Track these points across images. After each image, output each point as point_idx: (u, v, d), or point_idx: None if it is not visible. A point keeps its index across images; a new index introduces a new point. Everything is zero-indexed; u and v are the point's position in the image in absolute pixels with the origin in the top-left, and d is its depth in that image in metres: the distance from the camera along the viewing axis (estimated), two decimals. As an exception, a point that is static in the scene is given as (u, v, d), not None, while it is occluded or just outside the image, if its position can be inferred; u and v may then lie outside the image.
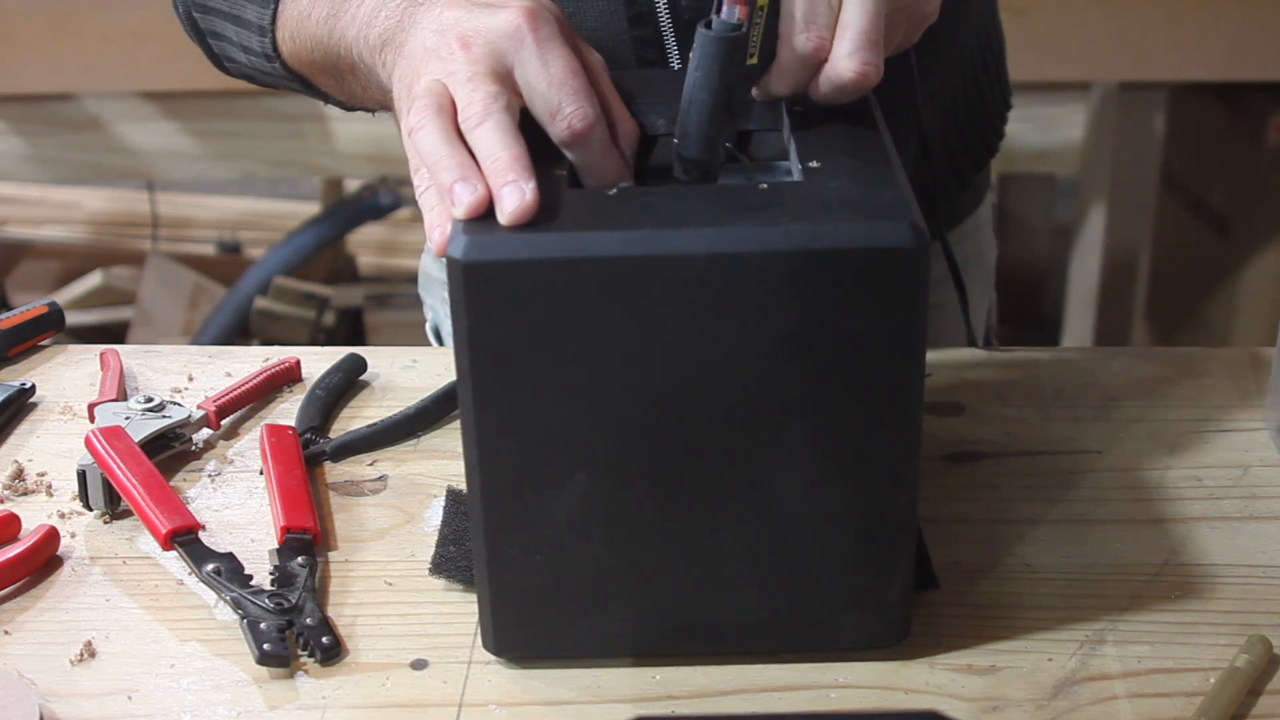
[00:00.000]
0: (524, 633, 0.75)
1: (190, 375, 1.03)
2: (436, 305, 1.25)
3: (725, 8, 0.73)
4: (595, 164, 0.76)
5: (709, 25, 0.74)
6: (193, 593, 0.82)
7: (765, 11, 0.73)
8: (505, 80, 0.74)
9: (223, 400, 0.97)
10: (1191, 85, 2.32)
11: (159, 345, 1.09)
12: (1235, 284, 2.49)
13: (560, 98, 0.74)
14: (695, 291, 0.67)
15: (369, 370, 1.03)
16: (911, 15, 0.79)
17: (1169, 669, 0.75)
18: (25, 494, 0.91)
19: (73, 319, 2.53)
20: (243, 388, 0.99)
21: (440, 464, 0.93)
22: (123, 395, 0.99)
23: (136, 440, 0.89)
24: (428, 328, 1.28)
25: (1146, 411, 0.97)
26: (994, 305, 1.27)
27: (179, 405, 0.95)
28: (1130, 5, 2.13)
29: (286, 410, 0.99)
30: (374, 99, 0.87)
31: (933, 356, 0.97)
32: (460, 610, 0.79)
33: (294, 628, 0.77)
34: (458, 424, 0.94)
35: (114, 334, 2.66)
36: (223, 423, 0.97)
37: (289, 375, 1.02)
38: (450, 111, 0.73)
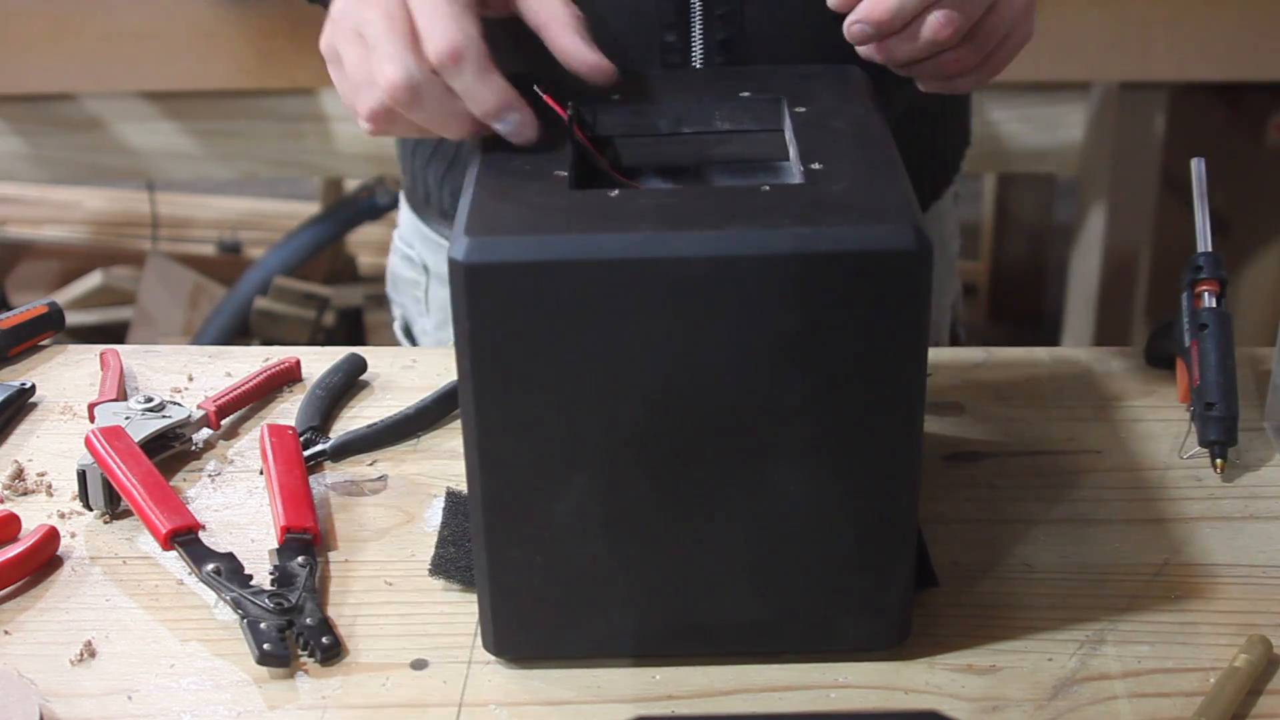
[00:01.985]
0: (524, 633, 0.75)
1: (190, 375, 1.03)
2: (407, 304, 1.25)
3: (1208, 296, 0.94)
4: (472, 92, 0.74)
5: (1220, 309, 0.92)
6: (193, 593, 0.82)
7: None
8: None
9: (223, 400, 0.97)
10: (1191, 85, 2.32)
11: (159, 345, 1.09)
12: (1235, 284, 2.48)
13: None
14: (697, 294, 0.66)
15: (369, 370, 1.03)
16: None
17: (1169, 669, 0.75)
18: (25, 494, 0.91)
19: (73, 319, 2.53)
20: (243, 388, 0.99)
21: (440, 464, 0.93)
22: (123, 395, 0.99)
23: (136, 440, 0.89)
24: (396, 327, 1.29)
25: (1146, 411, 0.97)
26: (959, 296, 1.26)
27: (179, 405, 0.95)
28: (1130, 5, 2.13)
29: (286, 410, 0.99)
30: None
31: (933, 356, 0.97)
32: (460, 610, 0.79)
33: (294, 628, 0.77)
34: (458, 424, 0.95)
35: (114, 334, 2.65)
36: (223, 423, 0.97)
37: (289, 375, 1.02)
38: None
